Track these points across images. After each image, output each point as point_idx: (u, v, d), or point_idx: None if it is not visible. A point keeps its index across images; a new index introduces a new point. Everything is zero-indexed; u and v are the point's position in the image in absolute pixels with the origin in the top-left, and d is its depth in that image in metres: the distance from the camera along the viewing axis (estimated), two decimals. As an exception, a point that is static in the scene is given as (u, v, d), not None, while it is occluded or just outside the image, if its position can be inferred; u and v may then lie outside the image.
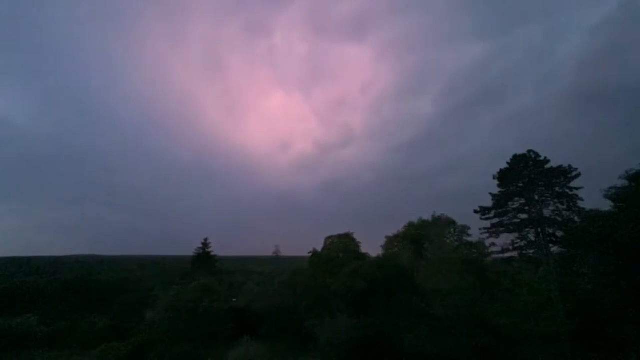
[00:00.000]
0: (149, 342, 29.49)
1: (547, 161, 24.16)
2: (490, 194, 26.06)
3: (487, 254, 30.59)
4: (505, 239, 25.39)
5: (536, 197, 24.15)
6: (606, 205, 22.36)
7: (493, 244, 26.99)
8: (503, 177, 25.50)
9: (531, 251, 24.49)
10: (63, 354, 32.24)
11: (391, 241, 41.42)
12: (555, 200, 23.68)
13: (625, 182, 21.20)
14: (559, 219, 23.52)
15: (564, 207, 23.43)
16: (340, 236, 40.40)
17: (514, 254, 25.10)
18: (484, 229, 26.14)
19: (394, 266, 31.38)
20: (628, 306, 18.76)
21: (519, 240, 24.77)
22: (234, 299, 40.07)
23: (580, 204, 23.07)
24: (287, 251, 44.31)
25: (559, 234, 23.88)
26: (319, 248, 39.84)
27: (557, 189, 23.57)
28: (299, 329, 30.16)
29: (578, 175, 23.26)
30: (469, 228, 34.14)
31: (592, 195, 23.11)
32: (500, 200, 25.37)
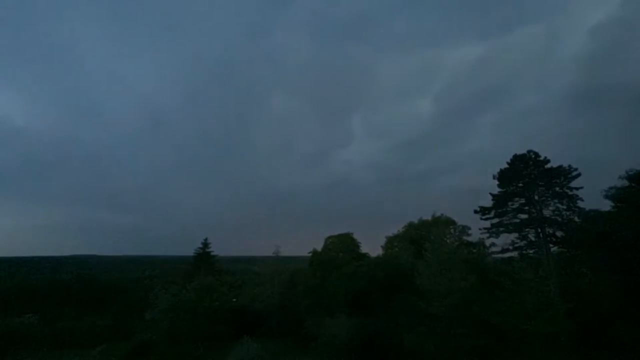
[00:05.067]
0: (149, 342, 29.46)
1: (547, 161, 24.14)
2: (490, 194, 26.04)
3: (487, 254, 30.59)
4: (505, 239, 25.39)
5: (536, 197, 24.13)
6: (606, 205, 22.40)
7: (493, 244, 26.99)
8: (503, 177, 25.48)
9: (531, 251, 24.47)
10: (63, 354, 32.20)
11: (391, 241, 41.45)
12: (555, 200, 23.66)
13: (625, 182, 21.21)
14: (559, 219, 23.50)
15: (564, 207, 23.40)
16: (340, 236, 40.42)
17: (514, 254, 25.08)
18: (484, 229, 26.14)
19: (394, 266, 31.37)
20: (628, 306, 18.75)
21: (519, 240, 24.75)
22: (234, 299, 40.02)
23: (580, 204, 23.06)
24: (287, 251, 44.22)
25: (559, 234, 23.86)
26: (319, 248, 39.86)
27: (557, 189, 23.54)
28: (299, 329, 30.14)
29: (578, 175, 23.24)
30: (469, 228, 34.18)
31: (592, 195, 23.13)
32: (500, 200, 25.36)
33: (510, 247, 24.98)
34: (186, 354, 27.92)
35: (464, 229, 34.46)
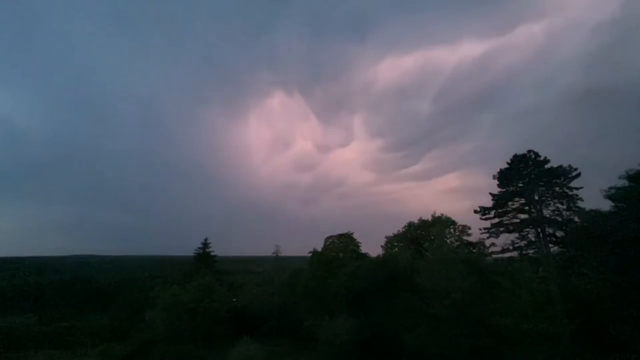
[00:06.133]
0: (149, 342, 29.48)
1: (547, 161, 24.12)
2: (490, 194, 26.03)
3: (487, 254, 30.56)
4: (505, 239, 25.37)
5: (536, 197, 24.11)
6: (606, 205, 22.29)
7: (493, 244, 26.97)
8: (503, 177, 25.47)
9: (531, 251, 24.45)
10: (63, 354, 32.20)
11: (391, 241, 41.37)
12: (555, 200, 23.63)
13: (625, 182, 21.15)
14: (559, 219, 23.47)
15: (564, 207, 23.38)
16: (340, 236, 40.36)
17: (514, 254, 25.07)
18: (484, 229, 26.12)
19: (394, 266, 31.34)
20: (628, 306, 18.72)
21: (519, 240, 24.72)
22: (234, 299, 40.03)
23: (580, 204, 23.03)
24: (287, 251, 44.21)
25: (559, 234, 23.84)
26: (319, 248, 39.80)
27: (557, 189, 23.52)
28: (299, 329, 30.13)
29: (578, 175, 23.21)
30: (469, 228, 34.09)
31: (592, 195, 23.08)
32: (500, 200, 25.34)
33: (510, 247, 24.95)
34: (186, 354, 27.92)
35: (464, 229, 34.38)
